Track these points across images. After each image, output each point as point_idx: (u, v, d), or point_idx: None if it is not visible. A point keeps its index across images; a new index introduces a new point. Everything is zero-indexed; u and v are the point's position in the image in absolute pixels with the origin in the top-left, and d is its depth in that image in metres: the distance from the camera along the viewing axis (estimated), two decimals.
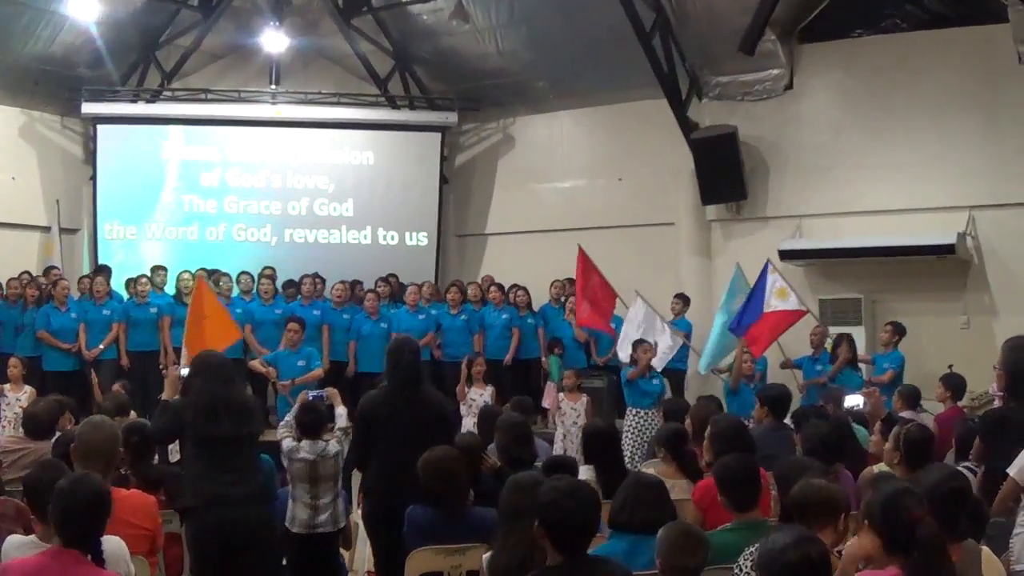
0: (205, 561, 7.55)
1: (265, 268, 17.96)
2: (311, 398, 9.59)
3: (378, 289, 17.76)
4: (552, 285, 18.11)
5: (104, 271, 17.24)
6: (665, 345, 15.07)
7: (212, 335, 12.10)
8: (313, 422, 8.67)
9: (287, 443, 8.65)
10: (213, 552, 7.50)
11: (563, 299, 17.62)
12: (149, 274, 17.07)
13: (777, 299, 14.54)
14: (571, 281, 17.72)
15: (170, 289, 17.05)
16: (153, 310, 16.46)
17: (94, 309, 16.29)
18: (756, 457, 7.28)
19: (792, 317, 14.64)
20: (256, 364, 14.93)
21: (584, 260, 15.63)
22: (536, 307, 17.96)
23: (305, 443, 8.57)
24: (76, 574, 5.03)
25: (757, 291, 14.60)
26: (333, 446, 8.63)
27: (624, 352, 14.80)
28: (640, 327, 15.13)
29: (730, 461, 6.68)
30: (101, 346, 16.04)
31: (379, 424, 8.22)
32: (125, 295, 17.02)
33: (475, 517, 7.24)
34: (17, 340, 15.96)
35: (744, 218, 17.41)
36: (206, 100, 20.14)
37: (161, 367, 15.97)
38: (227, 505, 7.46)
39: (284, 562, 8.46)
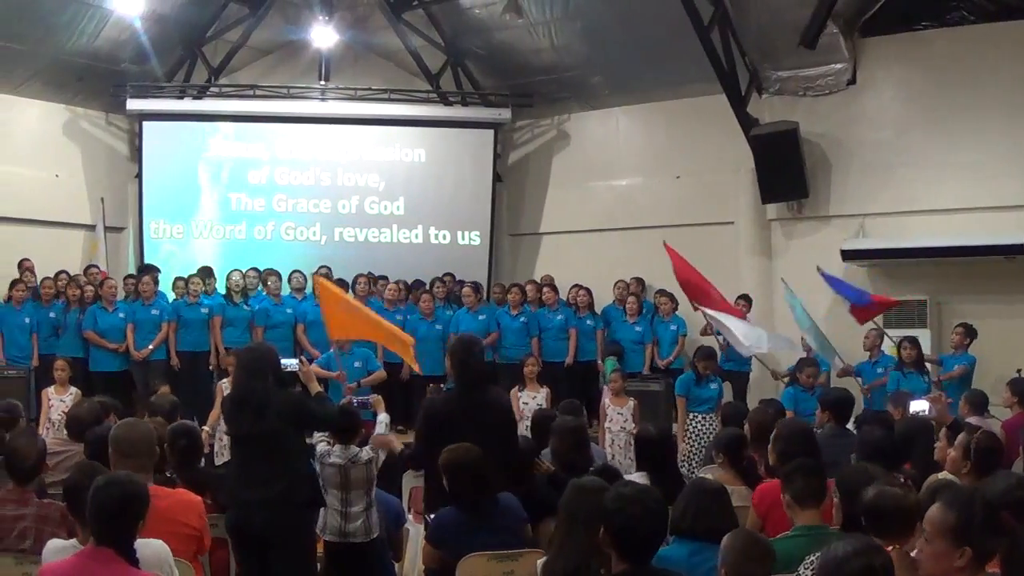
0: (238, 557, 7.78)
1: (320, 267, 18.01)
2: (356, 403, 9.59)
3: (434, 290, 17.83)
4: (616, 286, 18.12)
5: (151, 270, 17.33)
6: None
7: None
8: (348, 426, 8.68)
9: (321, 447, 8.69)
10: (239, 549, 7.73)
11: (625, 300, 17.60)
12: (197, 274, 17.13)
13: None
14: (638, 281, 17.82)
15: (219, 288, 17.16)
16: (204, 310, 16.59)
17: (142, 309, 16.44)
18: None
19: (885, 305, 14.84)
20: (317, 370, 14.84)
21: (675, 256, 15.48)
22: (596, 307, 17.92)
23: (337, 448, 8.59)
24: (111, 573, 5.06)
25: (846, 288, 14.66)
26: (366, 452, 8.61)
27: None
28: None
29: (798, 460, 6.65)
30: (151, 346, 16.17)
31: (446, 428, 8.07)
32: (171, 295, 17.11)
33: (502, 512, 7.30)
34: (60, 340, 16.15)
35: (805, 217, 17.28)
36: (254, 96, 20.30)
37: (211, 367, 16.13)
38: (240, 507, 7.63)
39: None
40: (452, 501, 7.39)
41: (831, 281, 15.17)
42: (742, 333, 14.70)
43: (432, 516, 7.67)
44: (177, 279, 17.24)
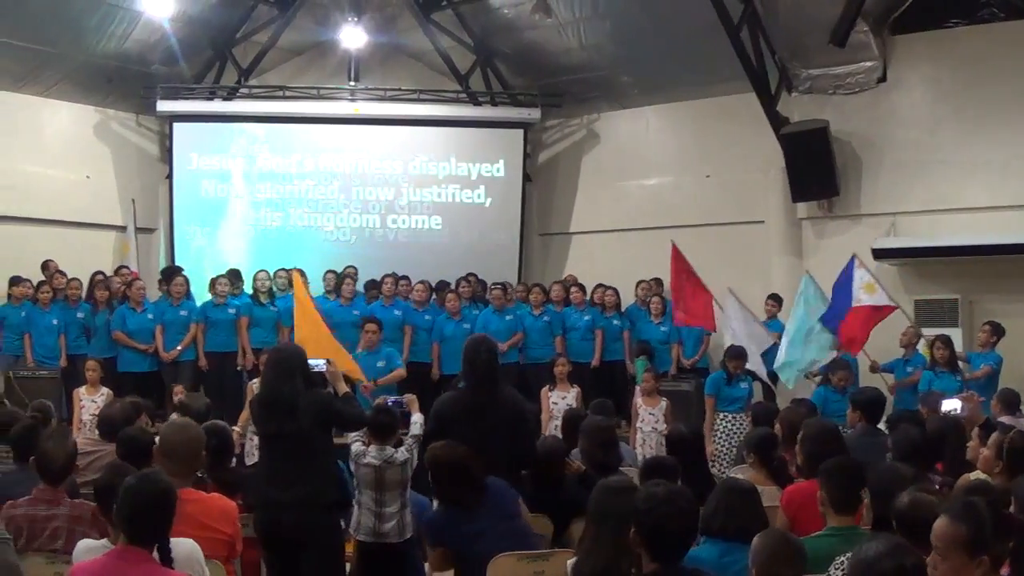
0: (266, 557, 7.84)
1: (347, 267, 18.12)
2: (390, 403, 9.58)
3: (460, 289, 17.81)
4: (638, 286, 18.11)
5: (177, 271, 17.35)
6: (759, 345, 15.17)
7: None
8: (384, 424, 8.67)
9: (356, 447, 8.68)
10: (268, 549, 7.79)
11: (648, 300, 17.58)
12: (225, 276, 17.20)
13: (865, 294, 14.46)
14: (657, 281, 17.75)
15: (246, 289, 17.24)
16: (231, 311, 16.61)
17: (171, 310, 16.47)
18: None
19: (882, 313, 14.59)
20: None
21: (677, 257, 15.58)
22: (622, 308, 17.89)
23: (372, 448, 8.58)
24: (141, 572, 5.07)
25: (843, 287, 14.54)
26: (402, 453, 8.58)
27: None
28: (734, 328, 15.22)
29: (840, 459, 6.62)
30: (179, 347, 16.23)
31: (454, 427, 8.13)
32: (208, 296, 17.17)
33: (492, 496, 7.32)
34: (91, 342, 16.25)
35: (836, 216, 17.21)
36: (284, 97, 20.40)
37: (238, 367, 16.17)
38: (268, 508, 7.69)
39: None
40: (437, 497, 7.53)
41: (846, 278, 15.02)
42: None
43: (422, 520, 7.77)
44: (212, 280, 17.30)
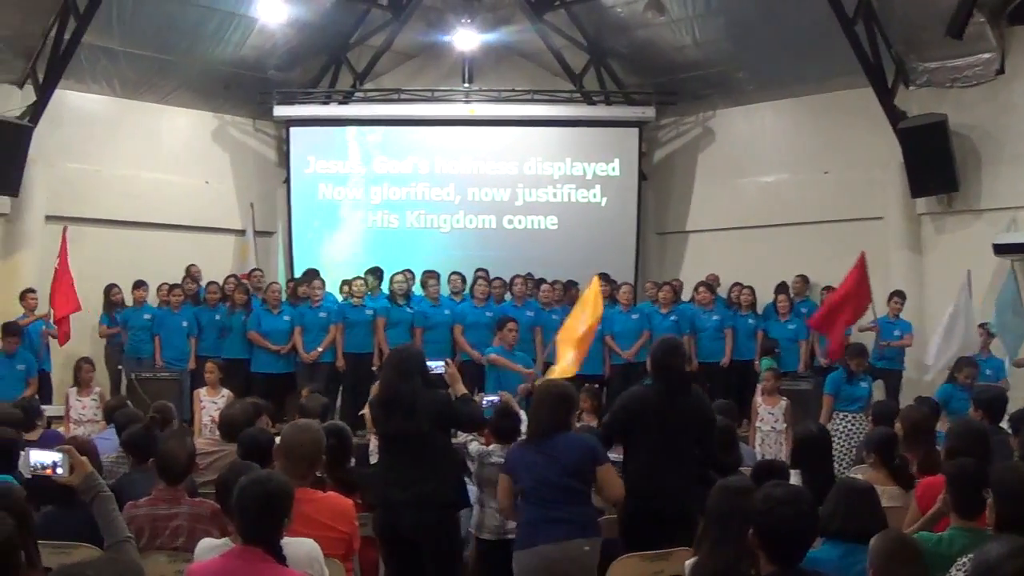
0: (385, 556, 8.00)
1: (478, 270, 18.17)
2: (486, 403, 9.66)
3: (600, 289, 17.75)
4: (777, 297, 17.87)
5: (314, 274, 17.55)
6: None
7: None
8: (510, 428, 8.79)
9: (475, 447, 8.80)
10: (386, 549, 7.94)
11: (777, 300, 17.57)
12: (366, 274, 17.43)
13: None
14: (803, 278, 17.70)
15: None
16: (369, 312, 16.76)
17: (310, 312, 16.70)
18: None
19: None
20: (503, 361, 14.96)
21: (861, 268, 15.47)
22: (755, 306, 17.81)
23: (496, 447, 8.70)
24: (260, 572, 5.16)
25: None
26: None
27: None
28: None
29: (968, 463, 6.57)
30: (320, 348, 16.47)
31: (641, 422, 8.13)
32: (339, 296, 17.47)
33: (561, 446, 7.53)
34: (224, 342, 16.64)
35: (956, 211, 17.01)
36: (399, 100, 20.66)
37: (374, 368, 16.33)
38: (388, 508, 7.82)
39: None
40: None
41: None
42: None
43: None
44: (343, 281, 17.63)
